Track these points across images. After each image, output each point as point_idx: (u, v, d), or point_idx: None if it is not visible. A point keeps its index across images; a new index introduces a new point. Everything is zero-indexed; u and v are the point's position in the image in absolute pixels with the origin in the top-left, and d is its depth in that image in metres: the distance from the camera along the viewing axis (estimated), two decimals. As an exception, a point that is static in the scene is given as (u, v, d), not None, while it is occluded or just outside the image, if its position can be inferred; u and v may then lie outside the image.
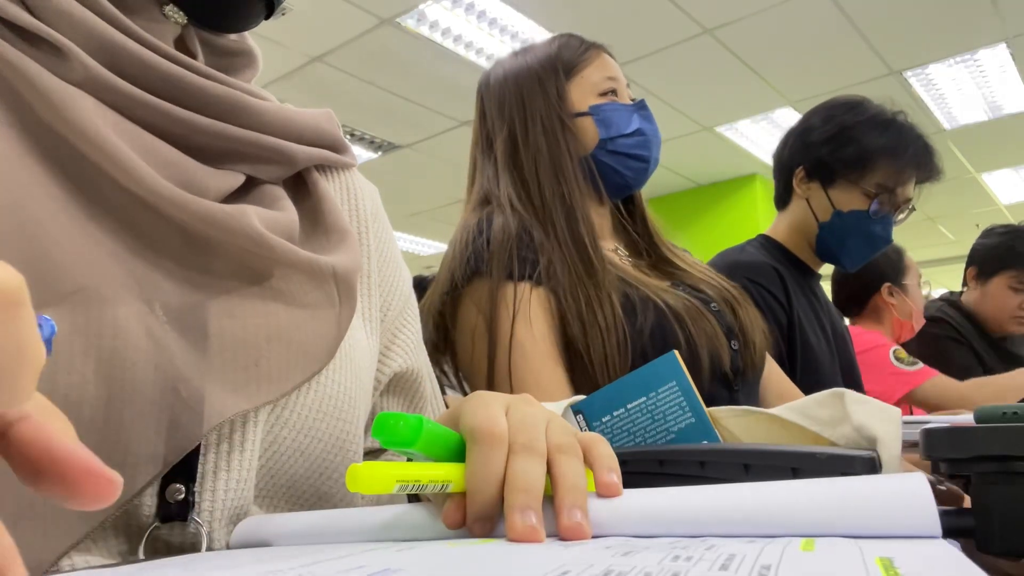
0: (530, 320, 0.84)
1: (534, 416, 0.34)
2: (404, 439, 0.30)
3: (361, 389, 0.50)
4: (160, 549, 0.38)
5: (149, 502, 0.38)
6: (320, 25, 3.09)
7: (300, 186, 0.52)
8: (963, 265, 2.05)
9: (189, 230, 0.40)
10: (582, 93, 0.98)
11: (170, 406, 0.37)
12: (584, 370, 0.83)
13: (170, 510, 0.38)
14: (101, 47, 0.40)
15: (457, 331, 0.91)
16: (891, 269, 1.86)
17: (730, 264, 1.25)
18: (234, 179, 0.45)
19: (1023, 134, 4.36)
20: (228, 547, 0.40)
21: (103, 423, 0.35)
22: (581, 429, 0.65)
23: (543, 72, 0.98)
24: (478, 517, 0.31)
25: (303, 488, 0.46)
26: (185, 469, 0.39)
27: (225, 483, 0.40)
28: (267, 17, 0.50)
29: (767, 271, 1.26)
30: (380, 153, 4.47)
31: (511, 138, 0.97)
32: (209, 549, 0.39)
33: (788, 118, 4.09)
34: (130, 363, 0.35)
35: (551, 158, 0.94)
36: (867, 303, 1.88)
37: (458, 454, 0.33)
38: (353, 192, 0.58)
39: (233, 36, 0.50)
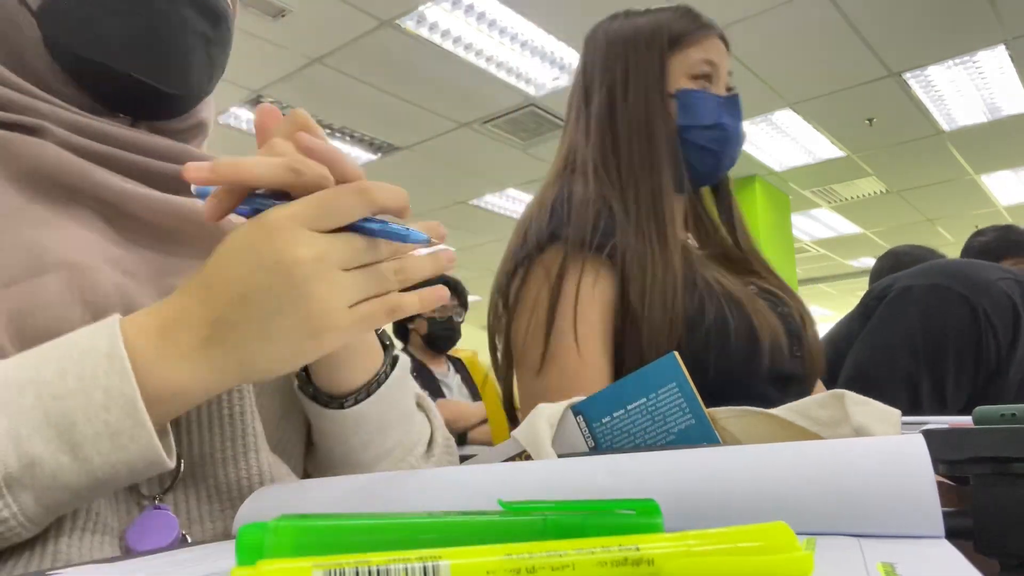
0: (593, 299, 0.84)
1: None
2: None
3: None
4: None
5: None
6: (320, 27, 3.09)
7: None
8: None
9: (157, 223, 0.51)
10: (676, 73, 0.94)
11: None
12: (633, 348, 0.84)
13: None
14: (67, 123, 0.49)
15: (520, 302, 0.89)
16: None
17: None
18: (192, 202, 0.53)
19: (1022, 135, 4.36)
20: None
21: None
22: (581, 430, 0.65)
23: (651, 39, 0.95)
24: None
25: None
26: None
27: None
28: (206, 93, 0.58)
29: None
30: (379, 155, 4.47)
31: (610, 97, 0.95)
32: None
33: (787, 120, 4.09)
34: (111, 309, 0.44)
35: (646, 126, 0.91)
36: None
37: None
38: None
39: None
